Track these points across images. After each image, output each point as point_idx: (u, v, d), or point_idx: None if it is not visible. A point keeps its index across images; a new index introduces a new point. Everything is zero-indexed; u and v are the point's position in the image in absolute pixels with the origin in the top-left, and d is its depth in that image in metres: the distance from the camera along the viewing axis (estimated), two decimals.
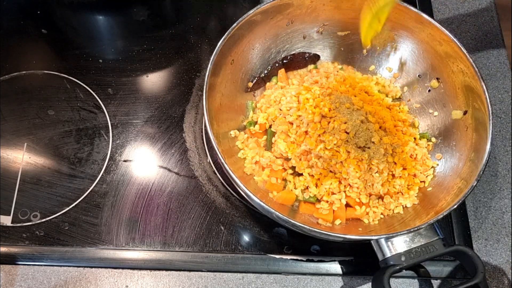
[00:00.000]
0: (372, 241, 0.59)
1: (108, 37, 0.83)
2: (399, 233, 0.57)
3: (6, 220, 0.66)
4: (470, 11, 0.87)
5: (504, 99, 0.79)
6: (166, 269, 0.65)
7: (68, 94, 0.76)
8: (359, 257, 0.66)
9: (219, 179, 0.71)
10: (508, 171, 0.74)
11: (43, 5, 0.83)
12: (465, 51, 0.66)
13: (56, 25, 0.82)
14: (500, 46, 0.84)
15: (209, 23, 0.84)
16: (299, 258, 0.66)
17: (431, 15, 0.81)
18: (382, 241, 0.58)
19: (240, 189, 0.59)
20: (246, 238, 0.67)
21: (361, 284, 0.65)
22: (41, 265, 0.64)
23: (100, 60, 0.79)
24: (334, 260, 0.66)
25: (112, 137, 0.73)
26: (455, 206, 0.58)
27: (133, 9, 0.84)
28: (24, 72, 0.77)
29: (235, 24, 0.66)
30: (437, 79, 0.71)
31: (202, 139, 0.74)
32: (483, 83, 0.64)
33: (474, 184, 0.59)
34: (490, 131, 0.62)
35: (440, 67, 0.70)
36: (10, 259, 0.64)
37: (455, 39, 0.66)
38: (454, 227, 0.69)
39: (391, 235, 0.57)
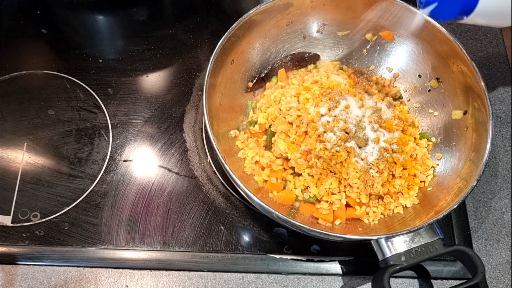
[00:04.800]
0: (372, 241, 0.59)
1: (108, 37, 0.83)
2: (399, 233, 0.57)
3: (6, 220, 0.66)
4: None
5: (504, 99, 0.79)
6: (166, 269, 0.65)
7: (68, 94, 0.76)
8: (359, 257, 0.66)
9: (219, 179, 0.71)
10: (508, 171, 0.74)
11: (43, 5, 0.83)
12: (465, 51, 0.65)
13: (56, 25, 0.82)
14: (500, 46, 0.84)
15: (209, 23, 0.84)
16: (299, 258, 0.66)
17: None
18: (382, 241, 0.58)
19: (240, 189, 0.59)
20: (246, 238, 0.67)
21: (361, 284, 0.65)
22: (41, 265, 0.64)
23: (100, 60, 0.79)
24: (334, 260, 0.66)
25: (112, 137, 0.73)
26: (455, 206, 0.58)
27: (133, 9, 0.84)
28: (24, 72, 0.77)
29: (235, 24, 0.66)
30: (437, 79, 0.71)
31: (202, 139, 0.74)
32: (483, 83, 0.64)
33: (474, 184, 0.59)
34: (490, 131, 0.62)
35: (440, 67, 0.70)
36: (10, 259, 0.64)
37: (455, 39, 0.66)
38: (454, 227, 0.69)
39: (391, 235, 0.57)
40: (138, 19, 0.83)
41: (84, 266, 0.64)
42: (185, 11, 0.85)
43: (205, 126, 0.63)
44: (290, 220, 0.56)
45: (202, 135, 0.74)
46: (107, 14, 0.84)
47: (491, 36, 0.85)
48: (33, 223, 0.66)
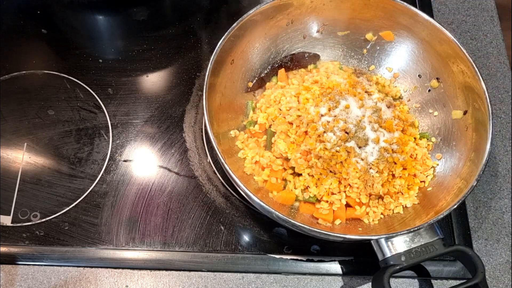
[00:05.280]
0: (372, 241, 0.59)
1: (108, 37, 0.83)
2: (399, 233, 0.57)
3: (6, 220, 0.66)
4: (470, 11, 0.87)
5: (504, 99, 0.79)
6: (166, 269, 0.65)
7: (68, 94, 0.76)
8: (359, 257, 0.66)
9: (219, 179, 0.71)
10: (508, 171, 0.74)
11: (43, 5, 0.83)
12: (465, 51, 0.66)
13: (56, 25, 0.82)
14: (500, 46, 0.84)
15: (209, 23, 0.84)
16: (299, 258, 0.66)
17: (431, 15, 0.81)
18: (382, 241, 0.58)
19: (240, 189, 0.59)
20: (246, 238, 0.67)
21: (361, 284, 0.65)
22: (41, 265, 0.64)
23: (100, 60, 0.79)
24: (334, 260, 0.66)
25: (112, 137, 0.73)
26: (455, 206, 0.58)
27: (133, 9, 0.84)
28: (24, 72, 0.77)
29: (235, 24, 0.66)
30: (437, 79, 0.71)
31: (202, 139, 0.74)
32: (483, 83, 0.64)
33: (474, 184, 0.59)
34: (490, 131, 0.62)
35: (440, 67, 0.70)
36: (10, 259, 0.64)
37: (455, 39, 0.66)
38: (454, 227, 0.69)
39: (391, 235, 0.57)
40: (138, 19, 0.83)
41: (84, 266, 0.64)
42: (185, 11, 0.85)
43: (205, 126, 0.63)
44: (290, 220, 0.56)
45: (202, 135, 0.74)
46: (107, 14, 0.84)
47: (491, 36, 0.85)
48: (33, 223, 0.66)
